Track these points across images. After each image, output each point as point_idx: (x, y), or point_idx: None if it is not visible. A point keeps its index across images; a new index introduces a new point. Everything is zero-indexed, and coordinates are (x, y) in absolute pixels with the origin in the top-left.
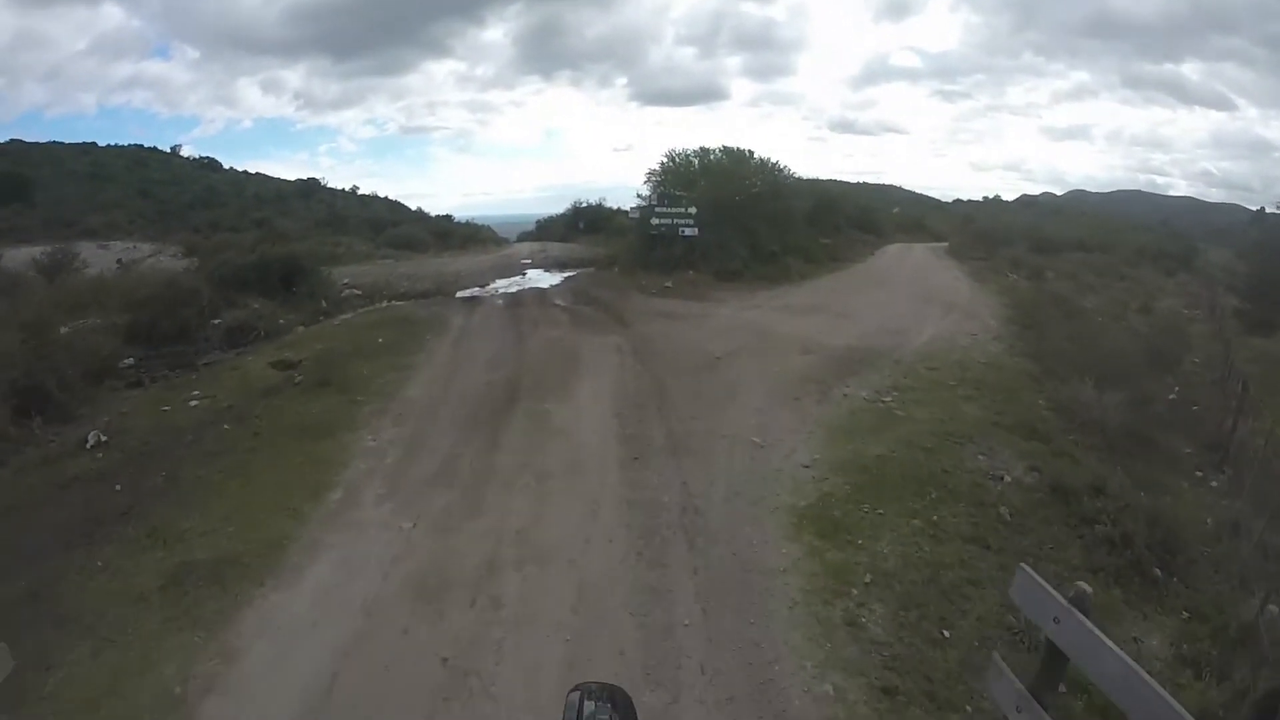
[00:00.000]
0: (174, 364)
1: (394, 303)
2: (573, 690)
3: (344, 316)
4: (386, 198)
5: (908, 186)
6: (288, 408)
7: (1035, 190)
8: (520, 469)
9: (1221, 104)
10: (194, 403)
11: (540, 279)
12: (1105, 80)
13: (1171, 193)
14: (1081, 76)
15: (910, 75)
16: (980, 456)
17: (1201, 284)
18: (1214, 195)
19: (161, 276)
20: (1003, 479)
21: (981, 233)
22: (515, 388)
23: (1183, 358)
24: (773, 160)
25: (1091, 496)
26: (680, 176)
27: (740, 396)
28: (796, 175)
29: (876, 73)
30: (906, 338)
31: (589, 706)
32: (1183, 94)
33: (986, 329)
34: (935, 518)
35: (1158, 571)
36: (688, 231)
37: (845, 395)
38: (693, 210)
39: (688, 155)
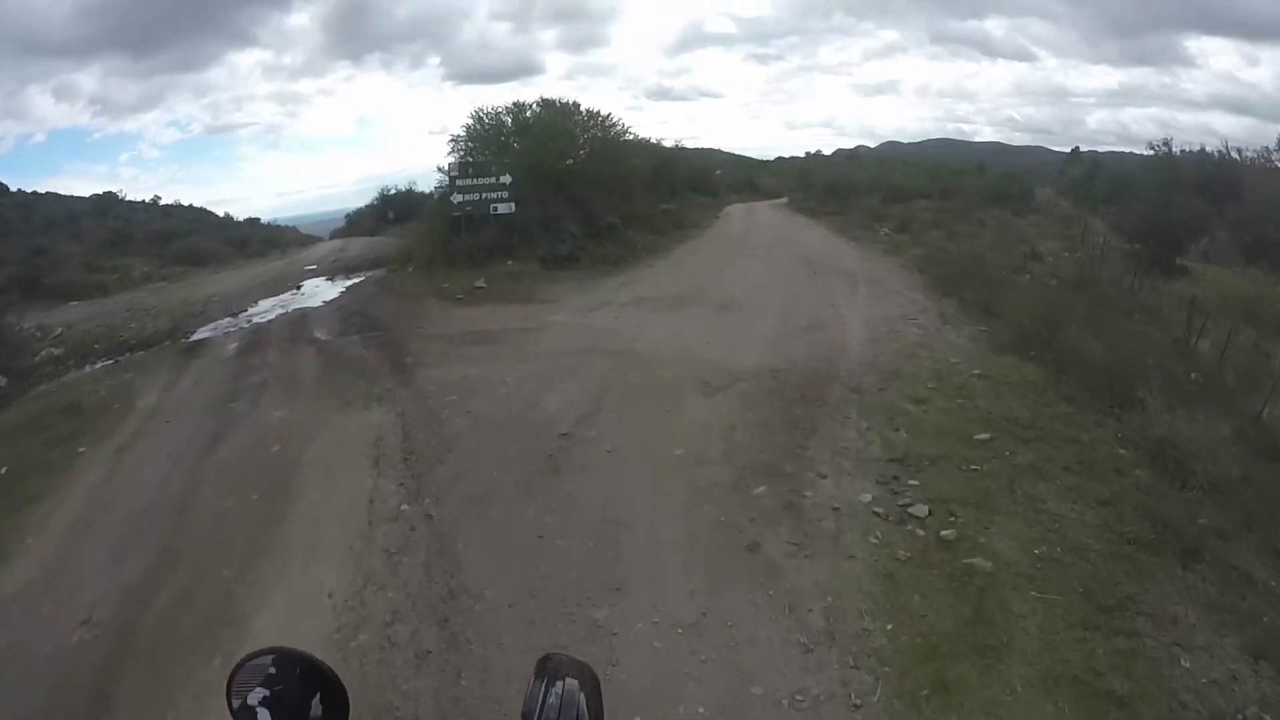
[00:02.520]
0: None
1: (98, 365)
2: (543, 659)
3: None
4: (190, 206)
5: (726, 149)
6: None
7: (849, 144)
8: None
9: (1023, 56)
10: None
11: (316, 293)
12: (914, 37)
13: (978, 139)
14: (891, 35)
15: (724, 41)
16: (1184, 662)
17: (1061, 224)
18: (1018, 139)
19: None
20: None
21: (830, 185)
22: (125, 643)
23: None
24: (603, 113)
25: None
26: (491, 141)
27: (634, 566)
28: (631, 132)
29: (691, 39)
30: (835, 335)
31: (555, 690)
32: (987, 48)
33: (918, 307)
34: None
35: None
36: (501, 209)
37: (835, 509)
38: (506, 180)
39: (498, 114)
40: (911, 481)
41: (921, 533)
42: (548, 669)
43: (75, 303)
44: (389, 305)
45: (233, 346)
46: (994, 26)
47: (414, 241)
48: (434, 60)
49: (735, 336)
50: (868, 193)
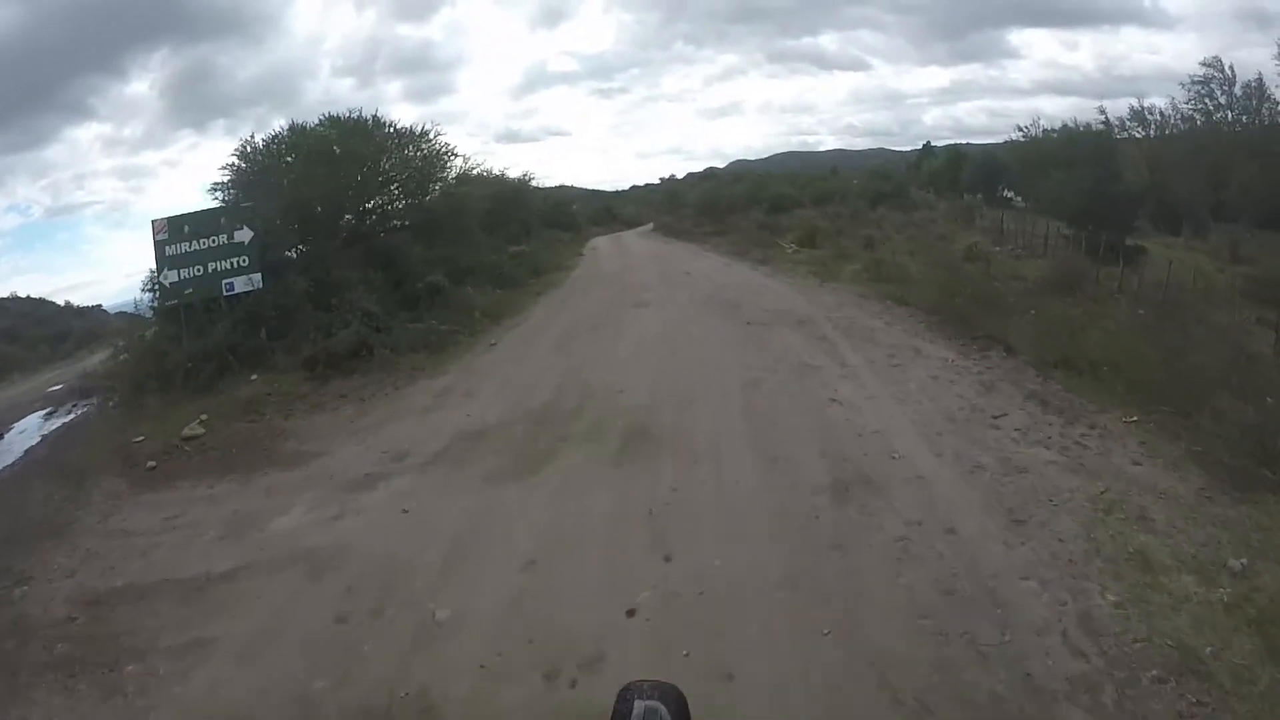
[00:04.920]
0: None
1: None
2: (624, 688)
3: None
4: (28, 297)
5: (579, 184)
6: None
7: (699, 167)
8: None
9: (858, 65)
10: None
11: (11, 448)
12: (752, 59)
13: (822, 148)
14: (730, 59)
15: (569, 79)
16: None
17: (961, 216)
18: (860, 144)
19: None
20: None
21: (706, 204)
22: None
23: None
24: (420, 129)
25: None
26: (260, 184)
27: None
28: (462, 156)
29: (536, 80)
30: (932, 524)
31: (639, 707)
32: (823, 62)
33: (975, 381)
34: None
35: None
36: (239, 285)
37: None
38: (244, 237)
39: (269, 144)
40: None
41: None
42: (629, 693)
43: None
44: (33, 498)
45: None
46: (828, 41)
47: (125, 355)
48: (279, 122)
49: (693, 560)
50: (746, 208)
